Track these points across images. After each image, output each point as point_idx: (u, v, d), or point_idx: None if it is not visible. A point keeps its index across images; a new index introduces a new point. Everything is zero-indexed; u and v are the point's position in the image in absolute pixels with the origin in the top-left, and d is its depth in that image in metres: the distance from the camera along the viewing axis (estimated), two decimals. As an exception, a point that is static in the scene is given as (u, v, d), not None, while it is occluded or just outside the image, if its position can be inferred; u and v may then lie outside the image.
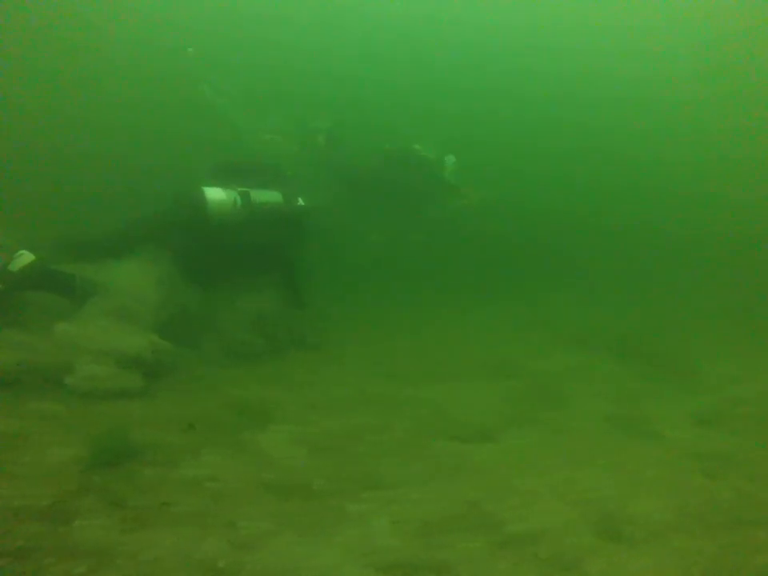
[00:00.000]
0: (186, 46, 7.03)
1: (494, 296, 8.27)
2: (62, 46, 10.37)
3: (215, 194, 4.79)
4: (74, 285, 4.17)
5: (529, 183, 11.20)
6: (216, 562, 1.88)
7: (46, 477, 2.32)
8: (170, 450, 2.76)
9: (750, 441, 3.47)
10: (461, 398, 3.96)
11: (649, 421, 3.73)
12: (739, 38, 13.30)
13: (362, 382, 4.19)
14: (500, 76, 13.24)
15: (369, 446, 3.04)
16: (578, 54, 13.42)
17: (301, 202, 5.52)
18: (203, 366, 4.20)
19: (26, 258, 4.09)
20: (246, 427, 3.15)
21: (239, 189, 4.93)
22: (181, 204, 4.86)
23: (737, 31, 13.45)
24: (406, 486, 2.59)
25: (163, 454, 2.70)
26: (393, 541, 2.14)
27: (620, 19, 13.82)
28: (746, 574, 2.12)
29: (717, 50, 13.41)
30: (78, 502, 2.15)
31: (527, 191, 10.75)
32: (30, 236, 4.41)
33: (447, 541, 2.17)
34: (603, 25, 13.73)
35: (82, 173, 7.97)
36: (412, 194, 8.28)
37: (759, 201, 11.29)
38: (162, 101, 9.93)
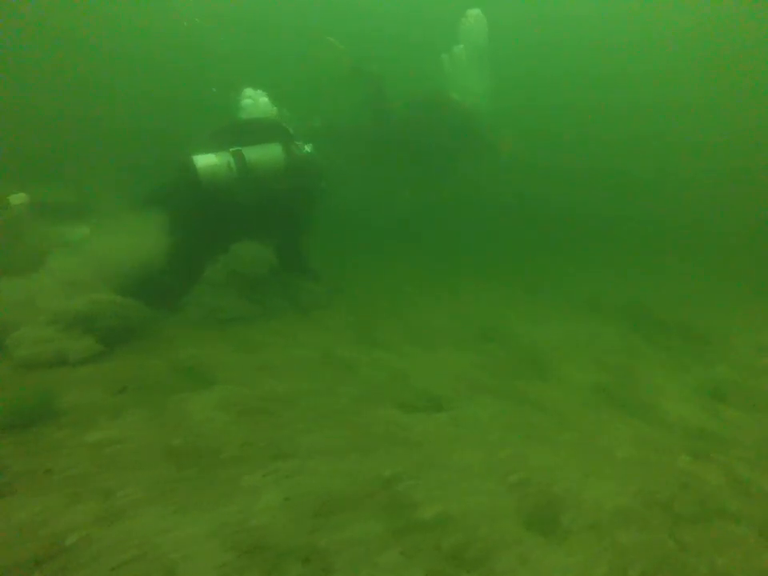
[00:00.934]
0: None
1: (510, 260, 7.74)
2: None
3: (205, 159, 4.63)
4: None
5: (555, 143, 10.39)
6: (66, 538, 1.73)
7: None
8: (91, 412, 2.66)
9: (764, 419, 2.91)
10: (429, 364, 3.61)
11: (646, 392, 3.23)
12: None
13: (332, 345, 3.93)
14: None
15: (302, 410, 2.79)
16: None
17: (308, 149, 5.22)
18: (174, 327, 4.11)
19: (22, 197, 4.35)
20: (183, 389, 2.99)
21: (232, 149, 4.70)
22: (175, 173, 4.73)
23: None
24: (321, 457, 2.34)
25: (81, 416, 2.61)
26: (275, 520, 1.90)
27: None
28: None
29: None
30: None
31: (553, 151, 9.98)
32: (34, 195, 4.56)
33: (338, 523, 1.90)
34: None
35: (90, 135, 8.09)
36: (445, 146, 7.74)
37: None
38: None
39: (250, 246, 4.93)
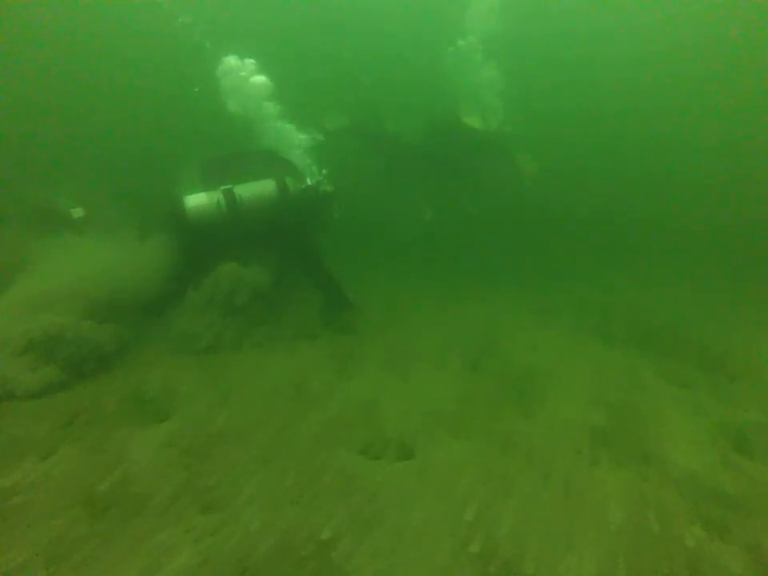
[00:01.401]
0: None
1: (522, 275, 7.41)
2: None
3: (195, 199, 4.60)
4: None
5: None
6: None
7: None
8: (22, 450, 2.47)
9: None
10: (408, 398, 3.27)
11: (652, 439, 2.78)
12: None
13: (309, 375, 3.66)
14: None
15: (253, 450, 2.52)
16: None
17: (308, 182, 5.08)
18: (148, 355, 3.94)
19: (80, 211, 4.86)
20: (134, 423, 2.78)
21: (223, 187, 4.61)
22: (167, 211, 4.70)
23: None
24: (257, 509, 2.05)
25: (9, 455, 2.41)
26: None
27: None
28: None
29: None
30: None
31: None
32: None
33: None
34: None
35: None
36: (462, 168, 7.61)
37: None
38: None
39: (233, 269, 4.78)
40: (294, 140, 5.51)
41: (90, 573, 1.69)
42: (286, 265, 5.21)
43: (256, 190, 4.75)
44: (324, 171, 5.34)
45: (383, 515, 2.07)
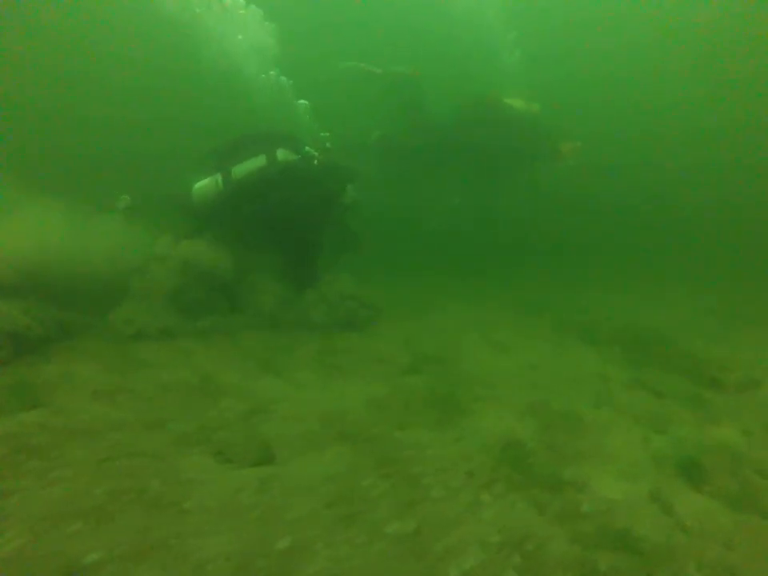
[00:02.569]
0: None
1: (519, 275, 6.85)
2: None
3: (199, 184, 4.98)
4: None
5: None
6: None
7: None
8: None
9: (753, 521, 1.84)
10: (312, 398, 2.87)
11: (578, 463, 2.24)
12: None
13: (221, 370, 3.32)
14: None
15: (95, 450, 2.20)
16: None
17: (311, 152, 5.15)
18: (82, 340, 3.78)
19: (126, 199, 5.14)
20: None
21: (222, 169, 4.98)
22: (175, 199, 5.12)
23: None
24: (44, 523, 1.72)
25: None
26: None
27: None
28: None
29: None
30: None
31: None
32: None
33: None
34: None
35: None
36: (500, 154, 7.16)
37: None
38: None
39: (200, 245, 4.66)
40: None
41: None
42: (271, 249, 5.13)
43: (250, 166, 4.99)
44: (325, 139, 5.37)
45: (182, 536, 1.71)
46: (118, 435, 2.38)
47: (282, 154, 5.02)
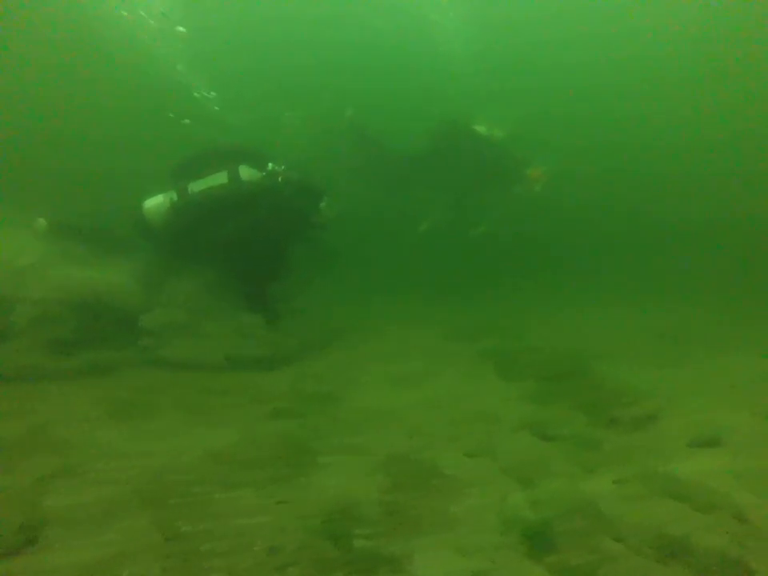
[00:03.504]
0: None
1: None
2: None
3: (152, 201, 4.75)
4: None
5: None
6: None
7: None
8: None
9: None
10: (147, 453, 2.47)
11: (410, 528, 1.89)
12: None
13: (62, 418, 2.91)
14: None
15: None
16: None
17: (276, 168, 4.85)
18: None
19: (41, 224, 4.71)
20: None
21: (178, 185, 4.72)
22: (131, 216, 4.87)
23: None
24: None
25: None
26: None
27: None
28: None
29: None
30: None
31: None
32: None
33: None
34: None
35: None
36: (469, 178, 7.09)
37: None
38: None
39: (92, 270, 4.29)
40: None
41: None
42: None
43: (209, 181, 4.70)
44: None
45: None
46: None
47: (244, 171, 4.76)
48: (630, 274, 8.90)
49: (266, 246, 4.74)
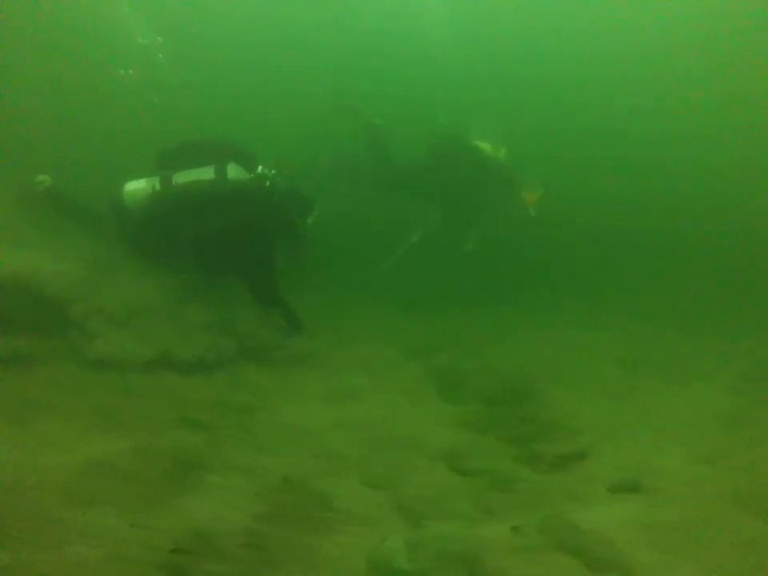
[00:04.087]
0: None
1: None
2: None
3: (133, 185, 4.55)
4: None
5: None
6: None
7: None
8: None
9: None
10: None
11: None
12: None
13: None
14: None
15: None
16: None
17: (265, 172, 4.66)
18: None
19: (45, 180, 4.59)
20: None
21: (162, 173, 4.49)
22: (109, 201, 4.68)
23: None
24: None
25: None
26: None
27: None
28: None
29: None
30: None
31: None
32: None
33: None
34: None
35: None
36: (463, 195, 6.92)
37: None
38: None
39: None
40: None
41: None
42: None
43: (194, 176, 4.49)
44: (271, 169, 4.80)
45: None
46: None
47: (232, 170, 4.56)
48: (616, 293, 8.75)
49: (243, 249, 4.61)
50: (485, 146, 6.91)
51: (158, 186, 4.45)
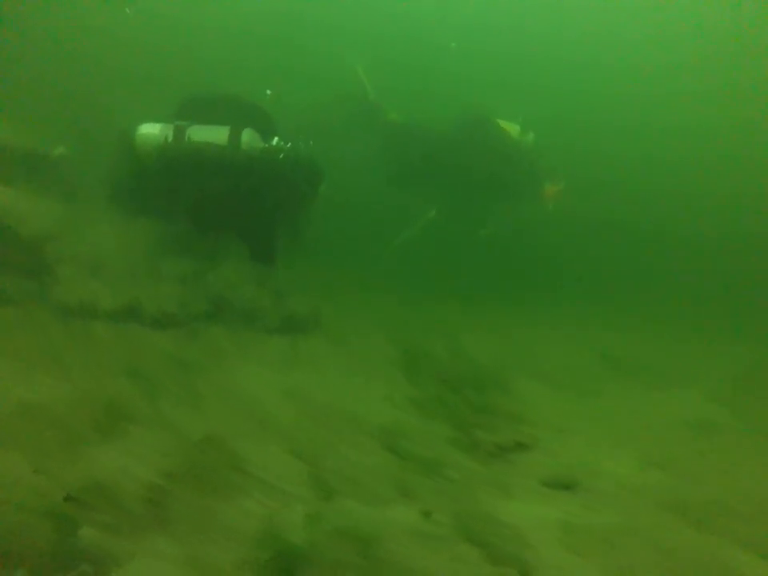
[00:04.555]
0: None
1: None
2: None
3: (148, 128, 4.38)
4: None
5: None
6: None
7: None
8: None
9: None
10: None
11: None
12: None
13: None
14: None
15: None
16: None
17: (280, 144, 4.48)
18: None
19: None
20: None
21: (178, 123, 4.33)
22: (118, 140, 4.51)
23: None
24: None
25: None
26: None
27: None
28: None
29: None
30: None
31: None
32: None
33: None
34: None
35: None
36: (482, 180, 6.59)
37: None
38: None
39: None
40: None
41: None
42: None
43: (208, 134, 4.32)
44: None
45: None
46: None
47: (247, 136, 4.38)
48: (621, 292, 8.51)
49: (245, 214, 4.48)
50: (513, 128, 6.56)
51: (170, 137, 4.30)
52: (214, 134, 4.34)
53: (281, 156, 4.48)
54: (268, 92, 5.07)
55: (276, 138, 4.56)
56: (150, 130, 4.35)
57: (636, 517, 2.27)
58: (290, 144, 4.57)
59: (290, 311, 4.83)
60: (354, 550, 1.70)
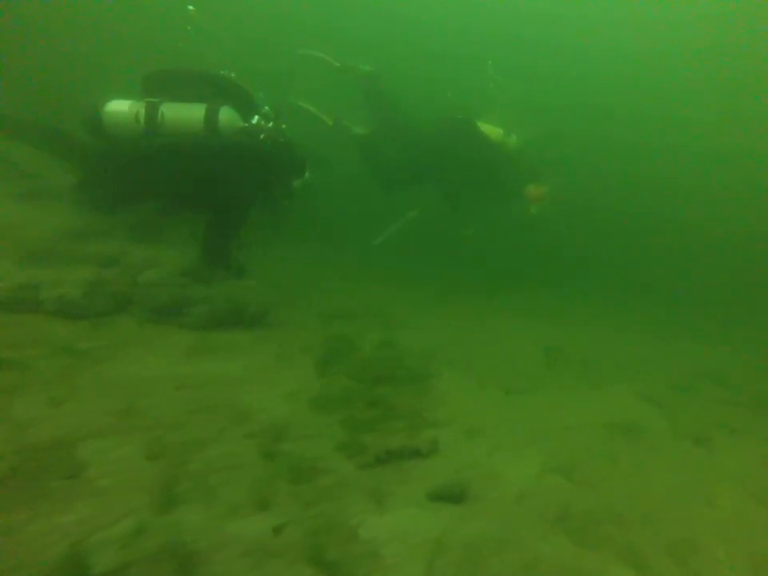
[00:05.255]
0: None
1: None
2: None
3: (116, 105, 4.07)
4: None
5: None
6: None
7: None
8: None
9: None
10: None
11: None
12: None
13: None
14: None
15: None
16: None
17: (260, 124, 4.23)
18: None
19: None
20: None
21: (150, 100, 4.02)
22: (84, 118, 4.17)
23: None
24: None
25: None
26: None
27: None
28: None
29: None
30: None
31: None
32: None
33: None
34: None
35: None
36: (464, 180, 6.55)
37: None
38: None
39: None
40: None
41: None
42: None
43: (183, 112, 4.01)
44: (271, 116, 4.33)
45: None
46: None
47: (225, 115, 4.05)
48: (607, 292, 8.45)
49: (221, 202, 4.26)
50: (495, 131, 6.44)
51: (142, 114, 3.96)
52: (189, 111, 4.00)
53: (261, 137, 4.19)
54: (190, 7, 4.70)
55: (256, 118, 4.26)
56: (119, 108, 4.02)
57: (514, 529, 2.16)
58: (271, 124, 4.29)
59: (225, 303, 4.59)
60: (170, 573, 1.54)
